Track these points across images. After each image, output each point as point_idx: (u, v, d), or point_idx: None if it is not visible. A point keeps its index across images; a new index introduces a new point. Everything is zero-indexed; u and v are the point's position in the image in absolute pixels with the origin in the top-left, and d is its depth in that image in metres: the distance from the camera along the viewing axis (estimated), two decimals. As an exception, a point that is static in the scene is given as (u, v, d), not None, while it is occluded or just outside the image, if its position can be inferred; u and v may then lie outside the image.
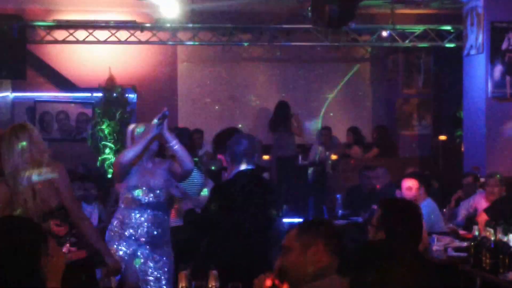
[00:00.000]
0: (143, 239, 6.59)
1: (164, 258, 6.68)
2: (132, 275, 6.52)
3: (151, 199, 6.62)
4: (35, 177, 5.79)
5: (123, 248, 6.57)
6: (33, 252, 3.59)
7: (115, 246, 6.56)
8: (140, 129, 6.72)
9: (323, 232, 3.86)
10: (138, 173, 6.66)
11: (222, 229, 6.06)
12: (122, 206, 6.70)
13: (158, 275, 6.62)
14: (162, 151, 7.13)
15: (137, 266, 6.58)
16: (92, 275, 6.43)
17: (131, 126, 6.98)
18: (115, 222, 6.69)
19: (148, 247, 6.60)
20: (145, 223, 6.59)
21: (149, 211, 6.61)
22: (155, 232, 6.63)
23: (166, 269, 6.67)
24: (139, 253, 6.58)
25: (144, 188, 6.62)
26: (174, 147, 6.58)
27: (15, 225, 3.70)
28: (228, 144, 6.33)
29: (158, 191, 6.65)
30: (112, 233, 6.66)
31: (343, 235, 3.86)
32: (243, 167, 6.17)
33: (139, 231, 6.58)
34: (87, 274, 6.27)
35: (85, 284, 6.06)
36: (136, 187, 6.62)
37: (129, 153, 6.59)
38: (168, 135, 6.58)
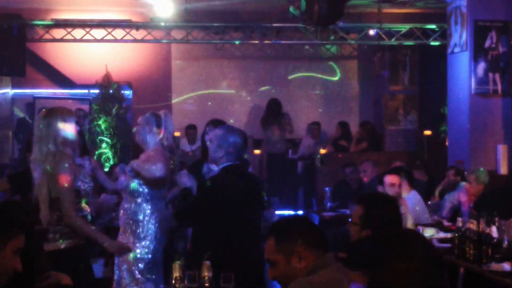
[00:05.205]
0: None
1: (153, 242, 6.65)
2: None
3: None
4: (47, 167, 5.82)
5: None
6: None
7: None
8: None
9: (298, 234, 3.67)
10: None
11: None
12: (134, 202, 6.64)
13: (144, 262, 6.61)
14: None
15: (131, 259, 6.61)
16: (87, 264, 6.38)
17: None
18: (128, 227, 6.62)
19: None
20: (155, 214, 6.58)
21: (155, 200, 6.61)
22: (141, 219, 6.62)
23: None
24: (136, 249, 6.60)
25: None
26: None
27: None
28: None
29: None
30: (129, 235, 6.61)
31: (318, 225, 3.67)
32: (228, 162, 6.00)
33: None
34: (82, 262, 6.21)
35: (80, 272, 6.05)
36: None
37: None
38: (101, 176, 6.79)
